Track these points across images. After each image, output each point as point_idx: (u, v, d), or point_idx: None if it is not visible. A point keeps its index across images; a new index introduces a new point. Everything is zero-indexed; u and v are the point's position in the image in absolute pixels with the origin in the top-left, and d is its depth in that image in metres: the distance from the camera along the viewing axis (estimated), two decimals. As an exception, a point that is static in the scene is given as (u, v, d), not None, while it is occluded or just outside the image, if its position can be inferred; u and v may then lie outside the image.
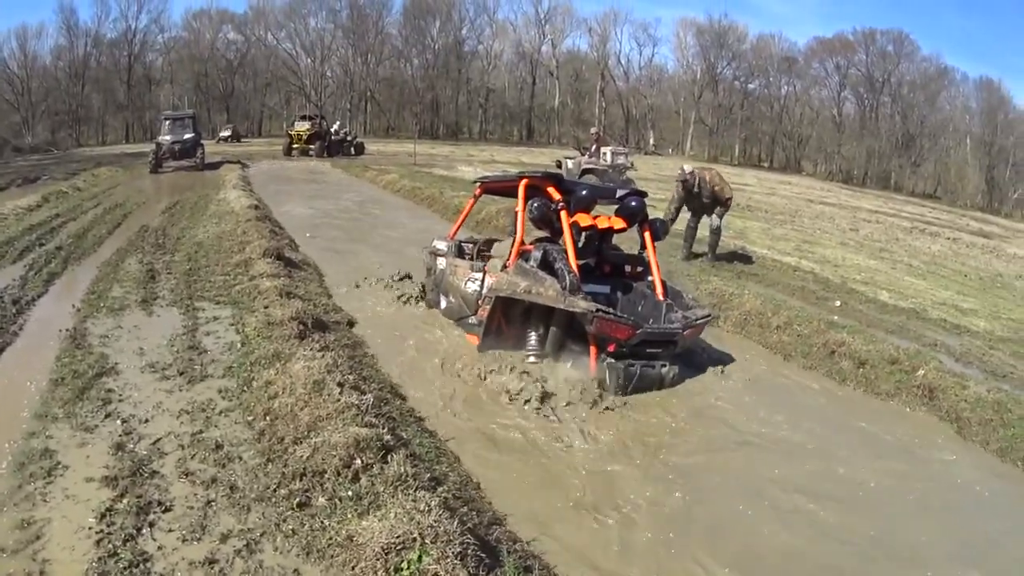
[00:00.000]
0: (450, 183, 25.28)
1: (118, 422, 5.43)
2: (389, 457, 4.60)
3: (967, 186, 74.42)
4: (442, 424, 6.06)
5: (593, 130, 27.67)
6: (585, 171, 23.51)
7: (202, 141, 32.90)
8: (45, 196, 19.52)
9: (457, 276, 8.55)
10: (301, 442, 4.88)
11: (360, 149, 46.02)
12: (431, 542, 3.60)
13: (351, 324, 8.61)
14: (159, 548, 3.91)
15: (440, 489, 4.44)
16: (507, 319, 7.68)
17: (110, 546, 3.86)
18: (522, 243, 7.85)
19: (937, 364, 7.97)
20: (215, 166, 31.36)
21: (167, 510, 4.28)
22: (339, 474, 4.44)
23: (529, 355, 7.32)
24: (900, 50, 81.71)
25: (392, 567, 3.52)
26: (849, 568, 4.48)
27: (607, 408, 6.54)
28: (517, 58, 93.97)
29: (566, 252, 7.44)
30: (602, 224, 8.02)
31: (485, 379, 7.05)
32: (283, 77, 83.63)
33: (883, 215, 34.20)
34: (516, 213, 8.23)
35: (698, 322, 7.58)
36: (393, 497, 4.12)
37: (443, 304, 8.92)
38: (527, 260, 7.63)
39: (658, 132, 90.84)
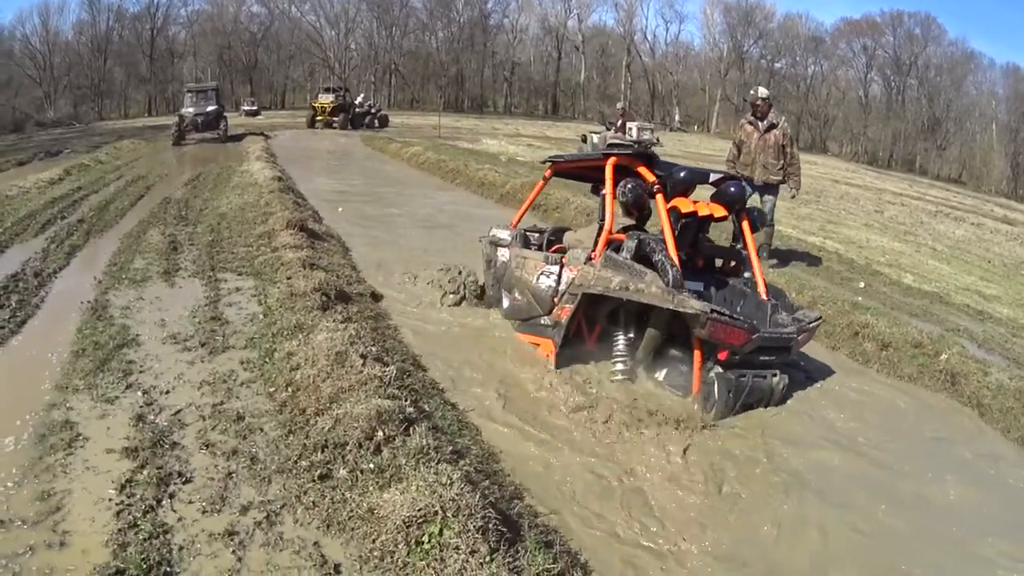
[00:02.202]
0: (475, 156, 25.26)
1: (139, 393, 5.41)
2: (411, 429, 4.55)
3: (992, 172, 73.90)
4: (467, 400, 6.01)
5: (619, 105, 27.49)
6: (610, 146, 23.32)
7: (225, 113, 32.97)
8: (67, 169, 19.56)
9: (526, 270, 7.27)
10: (323, 414, 4.85)
11: (384, 122, 46.11)
12: (452, 515, 3.57)
13: (375, 296, 8.54)
14: (179, 519, 3.89)
15: (462, 462, 4.40)
16: (588, 321, 6.75)
17: (130, 517, 3.84)
18: (611, 231, 6.65)
19: (960, 349, 7.89)
20: (238, 138, 31.49)
21: (187, 481, 4.25)
22: (361, 446, 4.39)
23: (616, 363, 6.34)
24: (927, 33, 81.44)
25: (413, 540, 3.49)
26: None
27: (701, 428, 5.68)
28: (543, 32, 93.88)
29: (664, 242, 6.24)
30: (703, 211, 6.75)
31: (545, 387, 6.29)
32: (307, 50, 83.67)
33: (908, 198, 33.91)
34: (603, 196, 7.09)
35: (811, 325, 6.56)
36: (415, 470, 4.06)
37: (506, 303, 7.69)
38: (617, 251, 6.49)
39: (684, 109, 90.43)
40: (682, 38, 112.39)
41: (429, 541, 3.47)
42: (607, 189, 6.86)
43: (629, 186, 6.73)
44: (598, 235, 6.73)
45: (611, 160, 6.99)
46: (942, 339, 8.12)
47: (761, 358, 6.10)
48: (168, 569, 3.50)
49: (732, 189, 6.90)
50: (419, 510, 3.59)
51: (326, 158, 26.86)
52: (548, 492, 4.71)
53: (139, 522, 3.79)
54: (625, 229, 6.89)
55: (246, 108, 59.95)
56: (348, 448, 4.40)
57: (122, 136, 33.26)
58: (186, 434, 4.84)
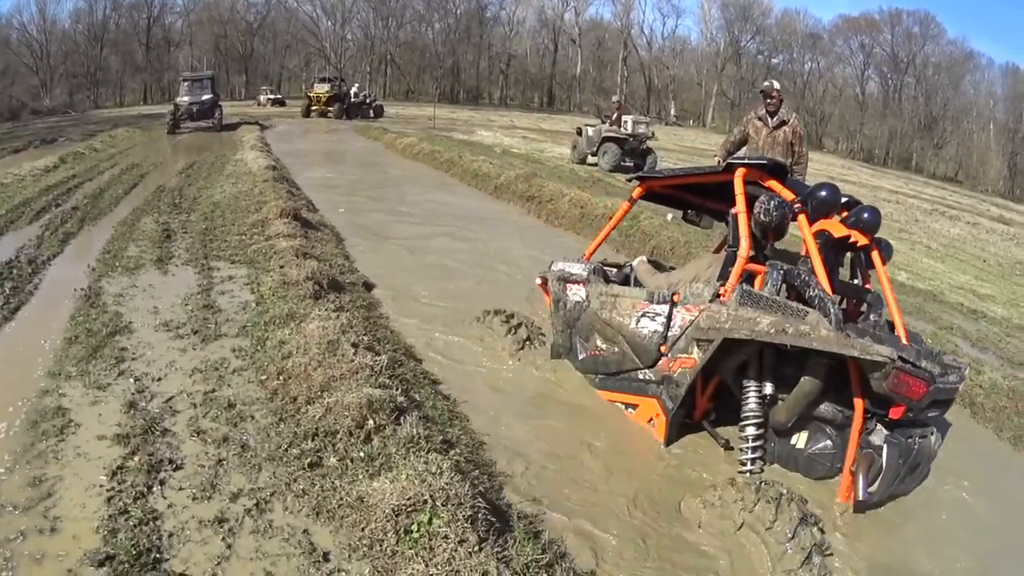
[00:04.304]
0: (469, 147, 25.32)
1: (131, 380, 5.41)
2: (402, 419, 4.57)
3: (989, 171, 74.10)
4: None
5: (614, 99, 27.61)
6: (605, 139, 23.48)
7: (220, 103, 32.94)
8: (62, 157, 19.51)
9: (619, 310, 5.87)
10: (314, 402, 4.86)
11: (379, 112, 46.22)
12: (442, 505, 3.58)
13: (367, 286, 8.54)
14: (169, 506, 3.90)
15: (452, 452, 4.40)
16: (704, 374, 5.29)
17: (120, 504, 3.85)
18: (747, 259, 5.29)
19: (953, 347, 7.93)
20: (233, 127, 31.47)
21: (178, 468, 4.27)
22: (351, 435, 4.41)
23: (747, 425, 5.05)
24: (926, 31, 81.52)
25: (402, 529, 3.50)
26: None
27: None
28: (539, 25, 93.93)
29: (815, 274, 5.04)
30: (853, 237, 5.50)
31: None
32: (303, 39, 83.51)
33: (903, 196, 34.04)
34: (733, 216, 5.53)
35: (966, 373, 5.40)
36: (405, 459, 4.09)
37: (581, 353, 6.31)
38: (752, 285, 5.26)
39: (679, 103, 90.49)
40: (679, 32, 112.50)
41: (418, 530, 3.48)
42: (740, 207, 5.45)
43: (774, 203, 5.24)
44: (726, 264, 5.42)
45: (740, 172, 5.60)
46: (936, 337, 8.16)
47: (930, 414, 5.05)
48: (158, 555, 3.51)
49: (866, 215, 5.58)
50: (409, 499, 3.60)
51: (320, 148, 26.92)
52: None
53: (129, 508, 3.80)
54: (767, 260, 5.55)
55: (271, 97, 59.62)
56: (339, 436, 4.42)
57: (117, 124, 33.12)
58: (177, 421, 4.85)
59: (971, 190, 61.79)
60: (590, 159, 24.47)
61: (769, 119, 9.10)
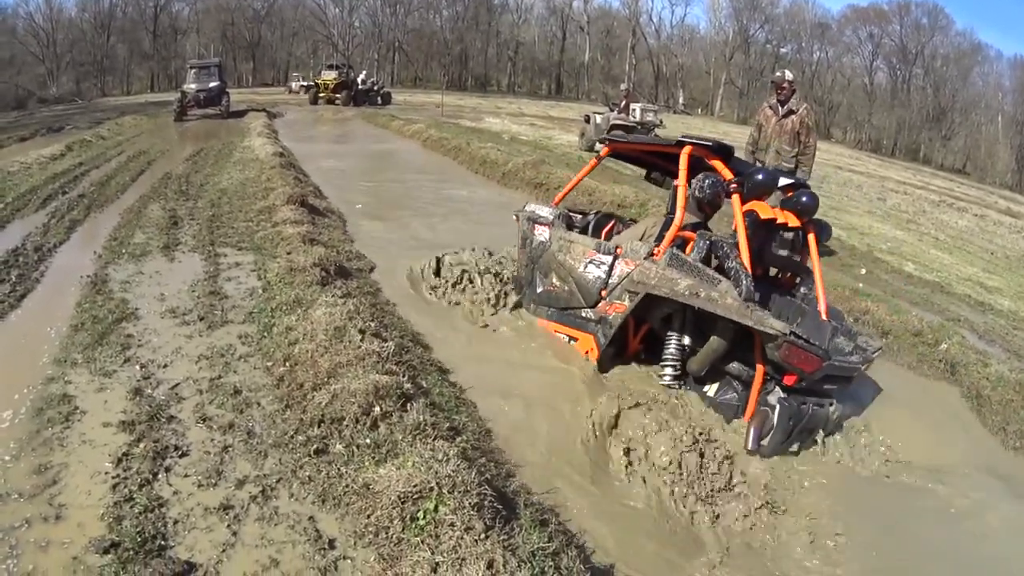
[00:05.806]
0: (477, 134, 25.15)
1: (137, 367, 5.41)
2: (408, 405, 4.56)
3: (997, 164, 73.60)
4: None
5: (623, 87, 27.39)
6: (613, 127, 23.40)
7: (227, 90, 32.87)
8: (69, 145, 19.45)
9: (572, 255, 6.67)
10: (320, 388, 4.84)
11: (387, 99, 45.91)
12: (448, 492, 3.56)
13: (373, 271, 8.50)
14: (175, 493, 3.90)
15: (459, 439, 4.39)
16: (636, 319, 6.14)
17: (126, 491, 3.85)
18: (680, 227, 5.96)
19: (960, 339, 7.88)
20: (240, 114, 31.38)
21: (183, 455, 4.27)
22: (357, 421, 4.40)
23: (665, 372, 5.90)
24: (934, 23, 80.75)
25: (408, 516, 3.49)
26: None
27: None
28: (548, 12, 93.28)
29: (737, 248, 5.61)
30: (780, 219, 6.09)
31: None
32: (310, 27, 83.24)
33: (911, 187, 33.81)
34: (674, 188, 6.31)
35: (873, 356, 5.98)
36: (411, 446, 4.08)
37: (540, 287, 7.09)
38: (683, 251, 5.86)
39: (688, 91, 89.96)
40: (688, 21, 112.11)
41: (424, 517, 3.46)
42: (680, 181, 6.12)
43: (708, 182, 6.09)
44: (663, 229, 6.13)
45: (686, 149, 6.19)
46: (943, 328, 8.11)
47: (827, 387, 5.58)
48: (163, 543, 3.52)
49: (804, 199, 6.13)
50: (415, 486, 3.59)
51: (327, 134, 26.92)
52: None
53: (135, 495, 3.81)
54: (697, 227, 6.17)
55: (303, 84, 58.94)
56: (345, 423, 4.41)
57: (124, 112, 33.06)
58: (183, 408, 4.85)
59: (979, 182, 61.45)
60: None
61: (779, 108, 9.20)
